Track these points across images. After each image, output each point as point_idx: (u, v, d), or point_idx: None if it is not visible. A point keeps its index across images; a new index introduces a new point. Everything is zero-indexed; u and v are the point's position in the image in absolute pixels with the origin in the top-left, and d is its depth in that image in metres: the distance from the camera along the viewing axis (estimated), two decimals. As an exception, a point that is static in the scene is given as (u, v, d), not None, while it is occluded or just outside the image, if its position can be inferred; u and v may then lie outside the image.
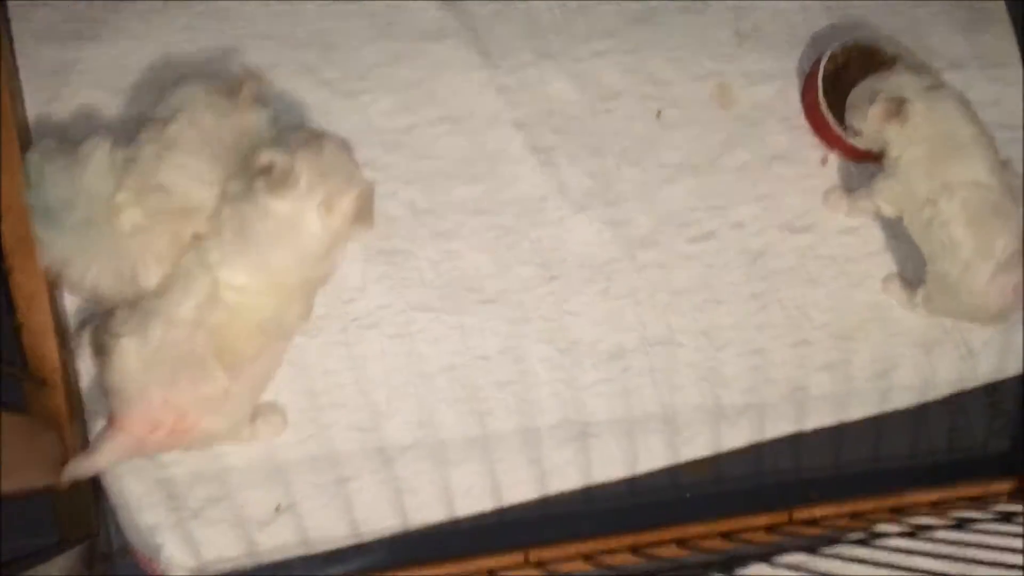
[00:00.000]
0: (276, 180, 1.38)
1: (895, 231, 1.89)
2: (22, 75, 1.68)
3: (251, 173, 1.41)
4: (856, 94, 1.80)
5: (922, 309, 1.83)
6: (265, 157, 1.39)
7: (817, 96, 1.86)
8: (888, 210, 1.80)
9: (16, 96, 1.64)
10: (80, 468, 1.39)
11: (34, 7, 1.71)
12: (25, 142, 1.61)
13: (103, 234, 1.45)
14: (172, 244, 1.45)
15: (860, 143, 1.82)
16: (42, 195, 1.47)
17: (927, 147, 1.71)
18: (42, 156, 1.50)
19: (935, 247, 1.72)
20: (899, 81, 1.75)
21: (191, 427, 1.42)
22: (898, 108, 1.71)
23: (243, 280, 1.41)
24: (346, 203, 1.42)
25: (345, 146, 1.50)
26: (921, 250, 1.77)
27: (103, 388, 1.43)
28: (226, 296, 1.41)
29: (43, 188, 1.47)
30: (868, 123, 1.75)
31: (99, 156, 1.47)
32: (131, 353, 1.38)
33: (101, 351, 1.43)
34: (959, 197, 1.67)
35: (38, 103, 1.68)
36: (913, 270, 1.88)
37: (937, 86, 1.75)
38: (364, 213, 1.45)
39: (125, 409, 1.39)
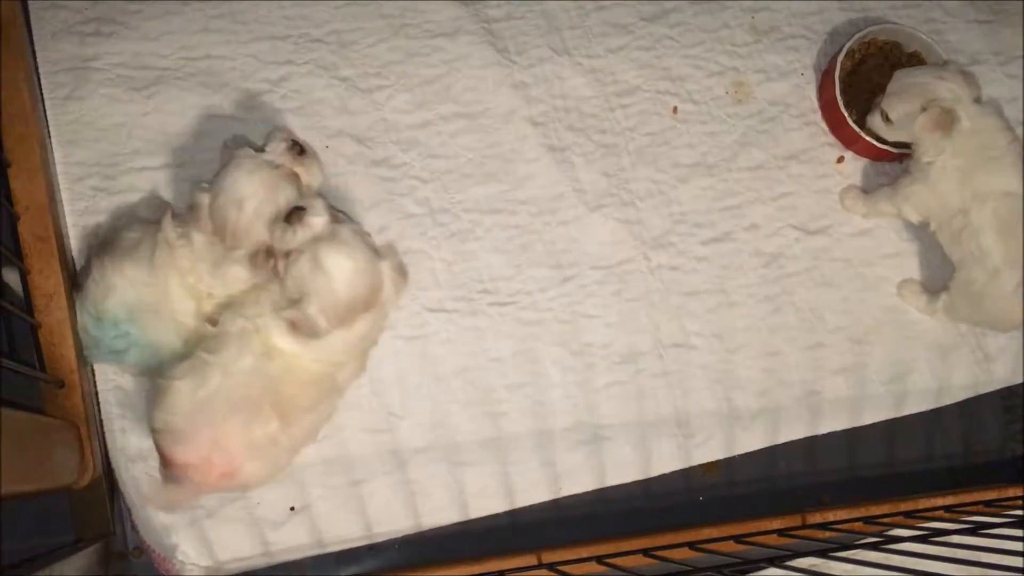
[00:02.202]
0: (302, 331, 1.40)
1: (910, 234, 1.89)
2: (40, 71, 1.69)
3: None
4: (904, 86, 1.75)
5: (942, 315, 1.82)
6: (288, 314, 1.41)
7: (834, 93, 1.85)
8: (913, 216, 1.79)
9: (35, 96, 1.64)
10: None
11: (53, 6, 1.72)
12: (43, 141, 1.62)
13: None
14: None
15: (886, 132, 1.79)
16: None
17: (963, 160, 1.69)
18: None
19: (964, 255, 1.71)
20: (953, 89, 1.70)
21: (236, 471, 1.43)
22: (949, 121, 1.68)
23: (294, 348, 1.42)
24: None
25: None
26: (950, 257, 1.77)
27: (151, 430, 1.45)
28: (281, 350, 1.43)
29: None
30: (916, 127, 1.71)
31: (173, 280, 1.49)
32: (184, 394, 1.40)
33: (154, 394, 1.46)
34: (990, 207, 1.66)
35: (56, 100, 1.68)
36: (928, 274, 1.88)
37: (979, 98, 1.73)
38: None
39: (174, 447, 1.41)
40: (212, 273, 1.47)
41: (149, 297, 1.47)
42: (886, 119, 1.77)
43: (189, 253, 1.47)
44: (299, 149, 1.52)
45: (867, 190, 1.88)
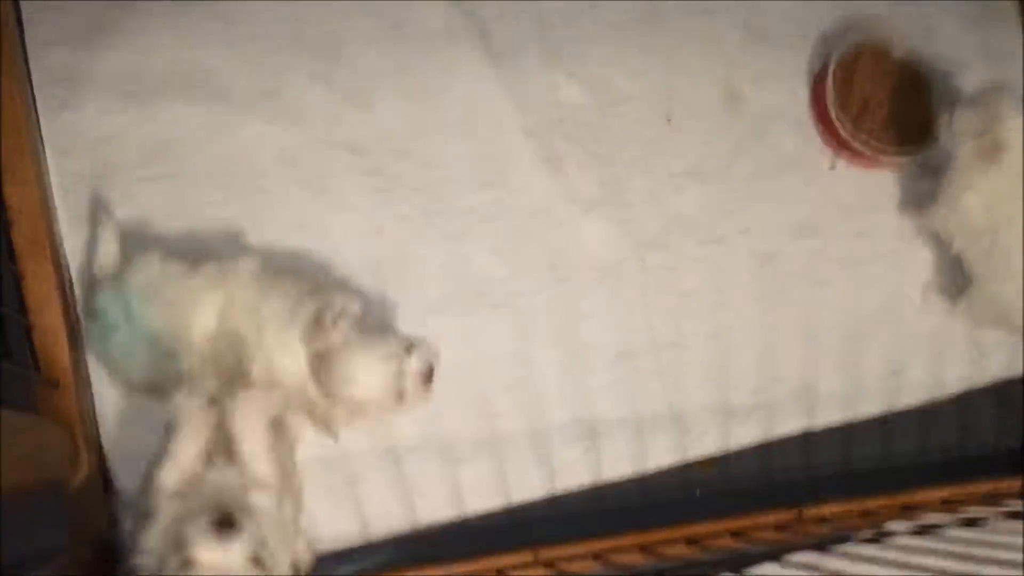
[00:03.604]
0: None
1: (905, 232, 1.91)
2: (33, 81, 1.69)
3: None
4: (978, 105, 1.74)
5: (964, 317, 1.85)
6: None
7: (827, 102, 1.87)
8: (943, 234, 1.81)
9: (28, 105, 1.65)
10: None
11: (45, 10, 1.71)
12: (36, 151, 1.63)
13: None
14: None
15: (944, 136, 1.78)
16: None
17: (994, 195, 1.70)
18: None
19: (992, 271, 1.73)
20: (1019, 128, 1.70)
21: None
22: (993, 155, 1.68)
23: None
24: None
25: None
26: (972, 270, 1.78)
27: None
28: None
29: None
30: (964, 149, 1.72)
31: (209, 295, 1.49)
32: None
33: None
34: (1017, 227, 1.67)
35: (49, 110, 1.68)
36: (924, 272, 1.91)
37: None
38: None
39: None
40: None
41: (181, 301, 1.48)
42: (950, 125, 1.76)
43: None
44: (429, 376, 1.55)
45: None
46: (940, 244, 1.87)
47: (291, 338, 1.47)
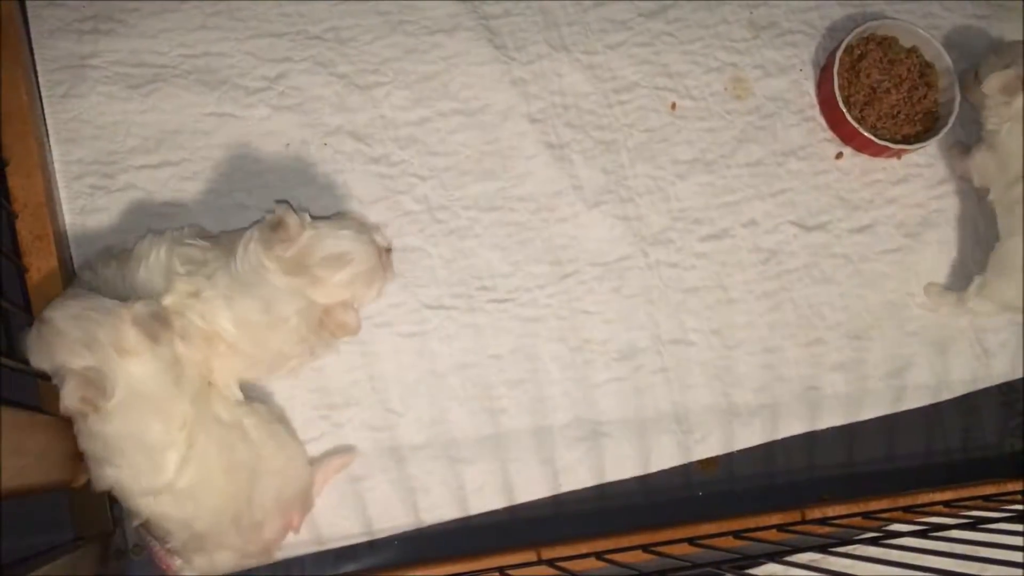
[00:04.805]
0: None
1: (909, 230, 1.90)
2: (37, 69, 1.69)
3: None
4: (1009, 47, 1.82)
5: (973, 303, 1.81)
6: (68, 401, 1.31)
7: (833, 89, 1.85)
8: (977, 179, 1.85)
9: (33, 94, 1.64)
10: None
11: (51, 4, 1.71)
12: (41, 139, 1.62)
13: None
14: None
15: (970, 91, 1.85)
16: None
17: None
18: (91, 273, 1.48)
19: (1013, 223, 1.74)
20: None
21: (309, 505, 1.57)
22: (1015, 88, 1.73)
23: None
24: (133, 337, 1.33)
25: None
26: (1000, 229, 1.79)
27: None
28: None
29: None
30: (986, 82, 1.77)
31: (155, 256, 1.45)
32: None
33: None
34: None
35: (54, 98, 1.68)
36: (927, 270, 1.89)
37: None
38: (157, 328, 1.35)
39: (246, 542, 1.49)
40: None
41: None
42: (976, 77, 1.82)
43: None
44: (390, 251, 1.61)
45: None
46: (944, 243, 1.89)
47: (255, 267, 1.43)
